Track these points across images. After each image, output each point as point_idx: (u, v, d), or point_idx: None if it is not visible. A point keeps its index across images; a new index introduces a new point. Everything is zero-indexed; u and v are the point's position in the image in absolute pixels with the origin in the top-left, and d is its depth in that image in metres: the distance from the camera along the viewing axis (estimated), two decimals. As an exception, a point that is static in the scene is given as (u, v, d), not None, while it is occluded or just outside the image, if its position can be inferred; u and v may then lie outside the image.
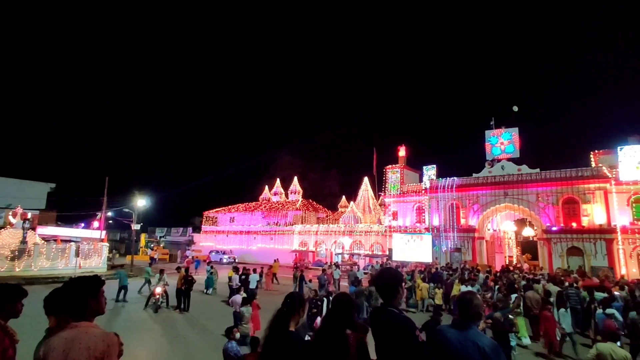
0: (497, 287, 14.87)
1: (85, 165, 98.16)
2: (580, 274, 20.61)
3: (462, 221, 31.03)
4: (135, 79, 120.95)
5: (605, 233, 25.28)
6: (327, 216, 48.92)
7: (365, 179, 44.47)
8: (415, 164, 38.74)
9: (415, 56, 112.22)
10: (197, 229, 55.24)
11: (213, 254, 41.85)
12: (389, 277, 2.83)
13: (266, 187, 53.50)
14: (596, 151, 28.33)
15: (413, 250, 32.06)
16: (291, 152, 70.32)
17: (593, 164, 27.87)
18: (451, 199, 31.86)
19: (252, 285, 15.99)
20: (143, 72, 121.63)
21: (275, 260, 26.94)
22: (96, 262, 25.98)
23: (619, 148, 26.34)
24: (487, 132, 32.09)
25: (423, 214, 34.50)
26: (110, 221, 46.72)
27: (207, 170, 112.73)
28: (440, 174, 34.22)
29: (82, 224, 45.55)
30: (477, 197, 30.73)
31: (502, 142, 31.34)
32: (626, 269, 24.34)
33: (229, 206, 53.43)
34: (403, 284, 2.90)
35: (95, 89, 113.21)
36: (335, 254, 39.10)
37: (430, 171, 35.15)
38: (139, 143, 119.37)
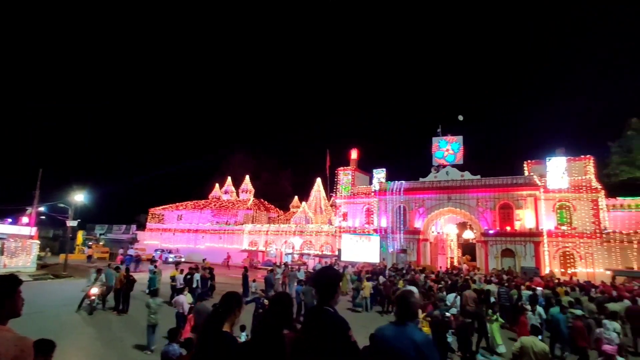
0: (439, 286, 15.70)
1: (17, 156, 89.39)
2: (509, 274, 22.26)
3: (409, 223, 32.29)
4: (78, 63, 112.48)
5: (534, 236, 27.51)
6: (278, 216, 48.71)
7: (318, 180, 44.87)
8: (366, 166, 39.78)
9: (367, 62, 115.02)
10: (143, 227, 52.55)
11: (158, 252, 40.03)
12: (327, 277, 2.85)
13: (216, 185, 52.18)
14: (529, 161, 30.76)
15: (361, 250, 32.80)
16: (244, 150, 68.96)
17: (526, 173, 30.23)
18: (399, 202, 33.04)
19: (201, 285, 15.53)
20: (84, 56, 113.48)
21: (203, 260, 25.29)
22: (24, 261, 23.88)
23: (547, 159, 28.82)
24: (434, 138, 33.70)
25: (372, 216, 35.47)
26: (43, 217, 43.07)
27: (154, 165, 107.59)
28: (390, 178, 35.40)
29: (9, 220, 41.57)
30: (423, 200, 32.13)
31: (448, 149, 33.06)
32: (550, 268, 26.66)
33: (177, 203, 51.42)
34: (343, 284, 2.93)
35: (29, 73, 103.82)
36: (286, 254, 39.02)
37: (380, 174, 36.22)
38: (80, 135, 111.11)
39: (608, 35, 77.90)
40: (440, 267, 30.23)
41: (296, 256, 37.49)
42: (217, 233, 44.83)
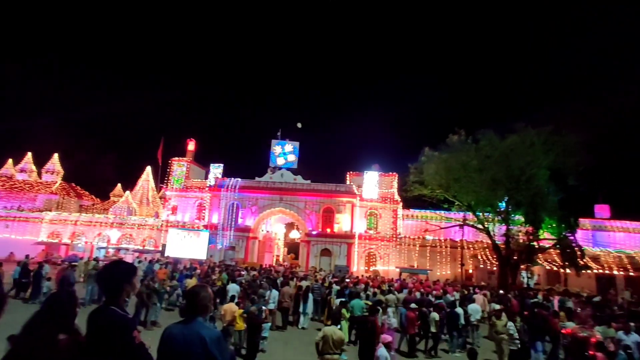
0: (261, 283, 16.29)
1: None
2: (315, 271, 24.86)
3: (240, 221, 32.59)
4: None
5: (348, 238, 31.53)
6: (94, 204, 42.20)
7: (148, 169, 41.00)
8: (203, 160, 38.39)
9: (213, 54, 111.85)
10: None
11: None
12: (115, 273, 2.62)
13: (10, 160, 41.74)
14: (351, 172, 35.10)
15: (189, 246, 31.37)
16: (56, 123, 57.38)
17: (348, 182, 34.42)
18: (233, 199, 33.01)
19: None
20: None
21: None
22: None
23: (365, 172, 33.55)
24: (273, 141, 35.06)
25: (204, 211, 34.41)
26: None
27: None
28: (227, 174, 35.05)
29: None
30: (257, 199, 32.96)
31: (285, 152, 34.86)
32: (357, 267, 31.01)
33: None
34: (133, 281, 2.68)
35: None
36: (98, 248, 34.12)
37: (217, 169, 35.49)
38: None
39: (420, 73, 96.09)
40: (267, 265, 31.47)
41: (111, 251, 33.22)
42: (3, 220, 35.88)
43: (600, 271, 29.22)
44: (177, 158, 36.40)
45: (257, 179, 34.11)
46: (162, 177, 38.48)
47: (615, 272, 29.38)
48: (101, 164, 57.89)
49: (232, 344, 9.39)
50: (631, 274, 29.25)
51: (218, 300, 13.17)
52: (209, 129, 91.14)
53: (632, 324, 10.40)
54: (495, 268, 28.29)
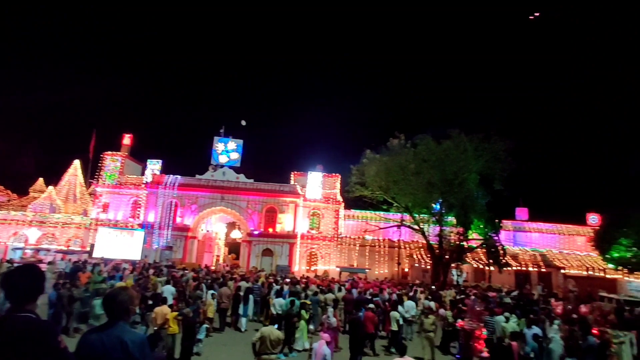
0: (196, 284, 15.77)
1: None
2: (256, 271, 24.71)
3: (179, 220, 31.28)
4: None
5: (290, 238, 31.55)
6: (9, 200, 38.07)
7: (76, 162, 37.79)
8: (140, 155, 36.28)
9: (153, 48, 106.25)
10: None
11: None
12: (23, 278, 2.44)
13: None
14: (295, 172, 35.15)
15: (121, 246, 29.44)
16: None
17: (292, 182, 34.43)
18: (171, 197, 31.59)
19: None
20: None
21: None
22: None
23: (309, 172, 33.80)
24: (216, 138, 34.07)
25: (139, 209, 32.54)
26: None
27: None
28: (165, 171, 33.46)
29: None
30: (197, 197, 31.84)
31: (228, 150, 34.03)
32: (299, 266, 31.17)
33: None
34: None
35: None
36: (13, 249, 30.82)
37: (155, 166, 33.75)
38: None
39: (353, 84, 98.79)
40: (206, 266, 30.44)
41: (29, 252, 30.20)
42: None
43: (519, 268, 32.16)
44: (110, 152, 34.05)
45: (197, 176, 32.95)
46: (92, 172, 35.81)
47: (530, 269, 32.50)
48: (20, 157, 52.18)
49: (164, 348, 9.00)
50: (543, 270, 32.54)
51: (151, 303, 12.55)
52: (148, 123, 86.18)
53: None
54: (429, 267, 29.91)
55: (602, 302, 18.71)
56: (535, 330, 10.01)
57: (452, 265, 28.51)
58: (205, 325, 11.34)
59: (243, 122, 35.72)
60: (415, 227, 29.36)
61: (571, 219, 37.18)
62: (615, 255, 29.28)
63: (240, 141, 34.40)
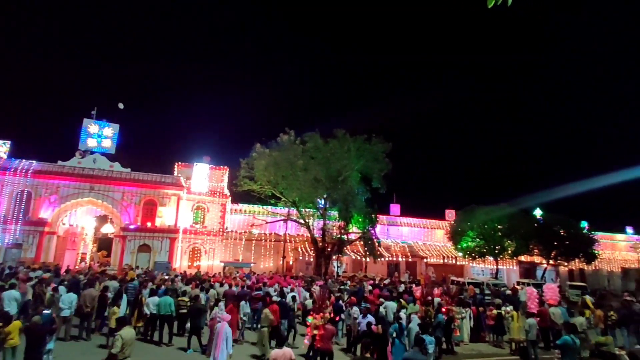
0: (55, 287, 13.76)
1: None
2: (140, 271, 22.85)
3: (32, 212, 26.70)
4: None
5: (171, 233, 29.56)
6: None
7: None
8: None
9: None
10: None
11: None
12: None
13: None
14: (179, 163, 32.98)
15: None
16: None
17: (176, 173, 32.26)
18: (23, 185, 26.77)
19: None
20: None
21: None
22: None
23: (195, 164, 32.10)
24: (86, 120, 29.96)
25: (-24, 199, 26.75)
26: None
27: None
28: (16, 154, 28.18)
29: None
30: (59, 187, 27.59)
31: (100, 135, 30.24)
32: (180, 262, 29.48)
33: None
34: None
35: None
36: None
37: (2, 148, 28.16)
38: None
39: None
40: (68, 266, 26.59)
41: None
42: None
43: (390, 259, 35.81)
44: None
45: (60, 162, 28.52)
46: None
47: (400, 259, 36.48)
48: None
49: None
50: (410, 259, 36.87)
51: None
52: (-6, 96, 71.21)
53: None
54: (312, 259, 31.23)
55: (452, 285, 22.13)
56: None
57: (334, 257, 30.31)
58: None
59: (121, 105, 32.04)
60: (302, 221, 30.40)
61: (434, 215, 42.81)
62: (464, 245, 34.69)
63: (117, 126, 30.84)
